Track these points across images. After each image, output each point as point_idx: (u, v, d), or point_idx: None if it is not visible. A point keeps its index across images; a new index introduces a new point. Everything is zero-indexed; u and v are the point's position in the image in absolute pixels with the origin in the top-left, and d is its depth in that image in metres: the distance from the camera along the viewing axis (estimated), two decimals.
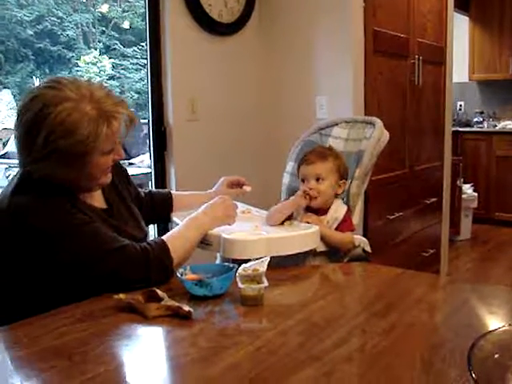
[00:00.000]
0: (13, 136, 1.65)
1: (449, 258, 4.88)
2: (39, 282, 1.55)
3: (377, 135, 2.17)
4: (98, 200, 1.74)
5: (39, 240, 1.50)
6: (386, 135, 2.21)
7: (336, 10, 3.35)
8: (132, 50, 10.65)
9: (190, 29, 3.23)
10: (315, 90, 3.49)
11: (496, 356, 0.93)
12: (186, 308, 1.35)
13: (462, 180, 5.89)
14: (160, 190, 2.30)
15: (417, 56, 3.86)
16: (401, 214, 3.78)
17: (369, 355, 1.19)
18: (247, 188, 2.15)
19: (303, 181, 2.06)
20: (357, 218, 2.19)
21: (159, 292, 1.42)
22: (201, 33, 3.29)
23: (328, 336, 1.26)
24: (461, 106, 7.32)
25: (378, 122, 2.22)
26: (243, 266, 1.50)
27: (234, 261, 1.68)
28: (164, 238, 1.69)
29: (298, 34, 3.55)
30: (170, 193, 2.19)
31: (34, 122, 1.48)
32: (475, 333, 1.07)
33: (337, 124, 2.39)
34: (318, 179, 2.02)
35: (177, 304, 1.37)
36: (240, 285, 1.45)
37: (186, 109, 3.23)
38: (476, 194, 6.15)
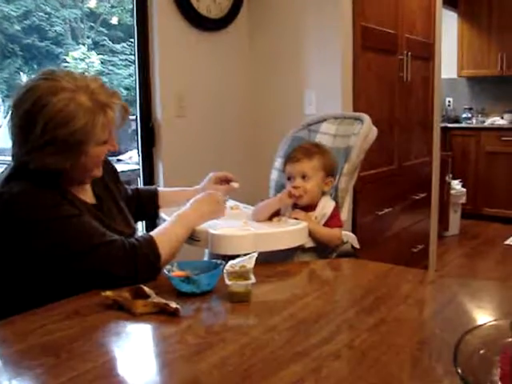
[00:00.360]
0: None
1: (437, 254, 4.89)
2: (27, 274, 1.55)
3: (365, 131, 2.17)
4: (87, 195, 1.75)
5: (26, 230, 1.50)
6: (375, 131, 2.21)
7: (325, 5, 3.34)
8: (121, 45, 10.58)
9: (178, 24, 3.21)
10: (304, 85, 3.49)
11: (482, 351, 0.93)
12: (173, 305, 1.35)
13: (450, 176, 5.91)
14: (147, 187, 2.30)
15: (405, 52, 3.87)
16: (389, 209, 3.79)
17: (357, 351, 1.19)
18: (235, 184, 2.14)
19: (289, 179, 2.05)
20: (345, 214, 2.19)
21: (146, 289, 1.41)
22: (189, 28, 3.27)
23: (316, 332, 1.26)
24: (450, 101, 7.34)
25: (367, 118, 2.22)
26: (230, 262, 1.50)
27: (223, 256, 1.68)
28: (153, 233, 1.68)
29: (286, 29, 3.54)
30: (157, 189, 2.18)
31: (32, 112, 1.50)
32: (463, 328, 1.07)
33: (325, 120, 2.38)
34: (303, 177, 2.01)
35: (164, 301, 1.37)
36: (227, 281, 1.45)
37: (174, 105, 3.22)
38: (464, 190, 6.18)
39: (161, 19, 3.10)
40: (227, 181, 2.16)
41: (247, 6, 3.63)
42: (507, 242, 5.73)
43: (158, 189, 2.19)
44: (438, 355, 1.12)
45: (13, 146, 1.59)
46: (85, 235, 1.54)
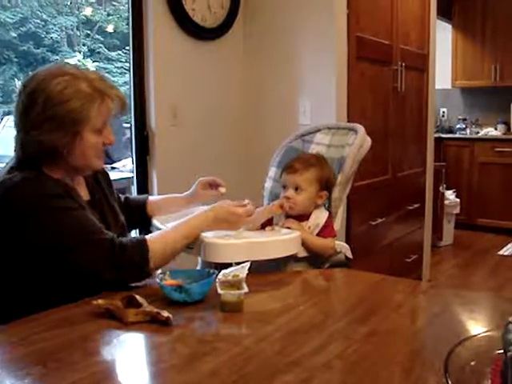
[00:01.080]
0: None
1: (431, 264, 4.90)
2: (21, 264, 1.57)
3: (359, 142, 2.17)
4: (82, 191, 1.77)
5: (22, 219, 1.54)
6: (368, 142, 2.21)
7: (320, 16, 3.35)
8: (116, 53, 10.58)
9: (174, 33, 3.22)
10: (298, 95, 3.50)
11: (473, 363, 0.93)
12: (165, 314, 1.34)
13: (444, 186, 5.92)
14: (137, 196, 2.29)
15: (400, 62, 3.88)
16: (383, 219, 3.79)
17: (348, 361, 1.18)
18: (222, 189, 2.12)
19: (284, 187, 2.06)
20: (338, 224, 2.19)
21: (138, 298, 1.41)
22: (184, 37, 3.28)
23: (308, 342, 1.26)
24: (444, 112, 7.37)
25: (361, 129, 2.22)
26: (223, 271, 1.49)
27: (216, 265, 1.67)
28: (148, 237, 1.68)
29: (281, 39, 3.55)
30: (147, 198, 2.17)
31: (35, 91, 1.58)
32: (455, 338, 1.07)
33: (319, 130, 2.38)
34: (296, 188, 2.02)
35: (156, 310, 1.36)
36: (220, 291, 1.44)
37: (169, 114, 3.22)
38: (458, 200, 6.19)
39: (156, 28, 3.11)
40: (215, 186, 2.15)
41: (242, 16, 3.64)
42: (500, 253, 5.74)
43: (149, 197, 2.18)
44: (429, 366, 1.12)
45: (15, 125, 1.64)
46: (75, 230, 1.57)
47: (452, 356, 0.90)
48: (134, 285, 1.62)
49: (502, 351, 0.85)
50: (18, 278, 1.58)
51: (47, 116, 1.57)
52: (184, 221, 1.77)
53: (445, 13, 6.63)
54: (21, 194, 1.55)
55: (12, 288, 1.59)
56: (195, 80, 3.39)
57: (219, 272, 1.50)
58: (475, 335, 1.04)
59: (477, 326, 1.39)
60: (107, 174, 1.99)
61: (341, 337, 1.33)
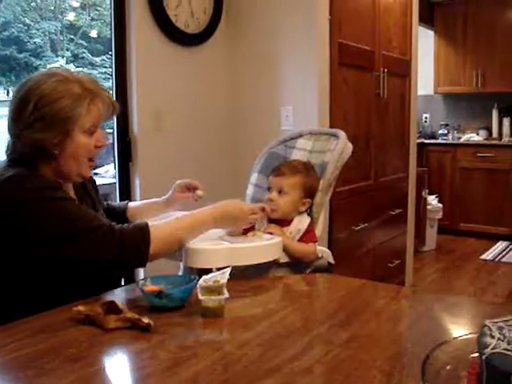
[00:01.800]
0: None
1: (414, 269, 4.93)
2: (19, 255, 1.57)
3: (340, 147, 2.18)
4: (70, 193, 1.78)
5: (21, 211, 1.54)
6: (350, 147, 2.22)
7: (302, 23, 3.37)
8: (100, 59, 10.53)
9: (156, 38, 3.22)
10: (281, 101, 3.51)
11: (450, 366, 0.93)
12: (146, 320, 1.34)
13: (427, 191, 5.95)
14: (117, 203, 2.29)
15: (382, 68, 3.91)
16: (366, 224, 3.81)
17: (329, 366, 1.19)
18: (199, 192, 2.11)
19: (269, 189, 2.07)
20: (320, 229, 2.19)
21: (119, 304, 1.40)
22: (167, 43, 3.28)
23: (288, 347, 1.26)
24: (426, 118, 7.42)
25: (342, 134, 2.23)
26: (204, 277, 1.49)
27: (198, 270, 1.67)
28: (151, 223, 1.69)
29: (264, 45, 3.57)
30: (126, 204, 2.16)
31: (27, 93, 1.61)
32: (435, 343, 1.08)
33: (301, 136, 2.39)
34: (280, 192, 2.03)
35: (136, 316, 1.36)
36: (200, 296, 1.44)
37: (152, 119, 3.21)
38: (441, 205, 6.23)
39: (139, 33, 3.11)
40: (192, 188, 2.15)
41: (225, 23, 3.65)
42: (482, 257, 5.78)
43: (129, 203, 2.18)
44: (409, 370, 1.13)
45: (8, 127, 1.66)
46: (74, 217, 1.59)
47: (429, 360, 0.91)
48: (114, 291, 1.61)
49: (476, 354, 0.85)
50: (16, 277, 1.59)
51: (38, 115, 1.59)
52: (189, 212, 1.80)
53: (427, 19, 6.70)
54: (16, 186, 1.57)
55: (12, 287, 1.60)
56: (178, 85, 3.39)
57: (200, 277, 1.50)
58: (452, 339, 1.05)
59: (457, 330, 1.39)
60: (94, 181, 2.01)
61: (322, 342, 1.33)
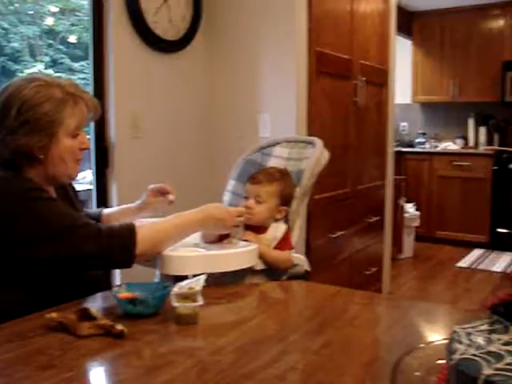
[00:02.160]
0: None
1: (391, 276, 4.96)
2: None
3: (317, 155, 2.19)
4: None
5: (7, 213, 1.55)
6: (326, 155, 2.24)
7: (280, 31, 3.39)
8: (80, 64, 10.47)
9: (135, 45, 3.21)
10: (259, 108, 3.52)
11: (419, 373, 0.94)
12: (119, 327, 1.33)
13: (404, 199, 6.00)
14: (92, 210, 2.28)
15: (359, 77, 3.93)
16: (343, 232, 3.83)
17: (302, 373, 1.19)
18: (170, 196, 2.10)
19: (246, 198, 2.08)
20: (296, 236, 2.20)
21: (92, 310, 1.39)
22: (145, 49, 3.27)
23: (262, 354, 1.26)
24: (404, 126, 7.48)
25: (319, 142, 2.25)
26: (178, 284, 1.49)
27: (173, 277, 1.67)
28: (137, 223, 1.71)
29: (242, 52, 3.58)
30: (101, 211, 2.16)
31: (9, 99, 1.62)
32: (408, 349, 1.08)
33: (278, 143, 2.40)
34: (257, 199, 2.03)
35: (110, 323, 1.35)
36: (175, 303, 1.44)
37: (129, 126, 3.20)
38: (418, 213, 6.28)
39: (117, 39, 3.10)
40: (165, 193, 2.14)
41: (204, 30, 3.65)
42: (458, 265, 5.84)
43: (104, 210, 2.17)
44: (381, 376, 1.13)
45: None
46: (60, 217, 1.60)
47: (400, 366, 0.92)
48: (88, 298, 1.61)
49: (444, 360, 0.86)
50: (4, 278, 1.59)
51: (22, 120, 1.59)
52: (174, 215, 1.80)
53: (405, 29, 6.78)
54: (1, 188, 1.58)
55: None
56: (157, 92, 3.39)
57: (175, 284, 1.50)
58: (424, 345, 1.06)
59: (430, 337, 1.41)
60: (73, 187, 2.02)
61: (295, 349, 1.34)
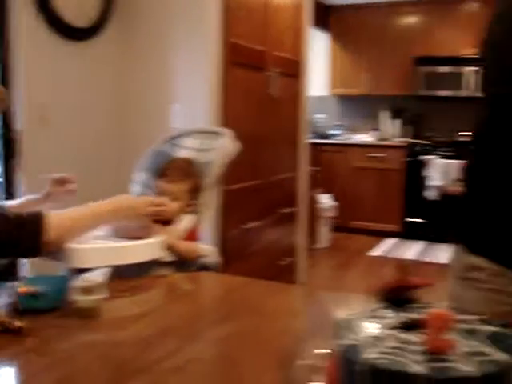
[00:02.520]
0: None
1: (307, 266, 5.02)
2: None
3: (225, 146, 2.20)
4: None
5: None
6: (236, 146, 2.24)
7: (193, 21, 3.37)
8: None
9: (42, 32, 3.11)
10: (171, 99, 3.49)
11: (311, 361, 0.96)
12: (17, 323, 1.30)
13: (320, 190, 6.10)
14: None
15: (273, 69, 3.96)
16: (257, 223, 3.85)
17: (203, 364, 1.20)
18: (70, 186, 2.06)
19: (157, 194, 2.06)
20: (206, 228, 2.21)
21: None
22: (54, 37, 3.18)
23: (165, 345, 1.26)
24: (321, 118, 7.59)
25: (227, 133, 2.25)
26: (81, 276, 1.46)
27: (78, 270, 1.64)
28: (46, 212, 1.65)
29: (155, 42, 3.53)
30: (3, 206, 2.09)
31: None
32: (313, 340, 1.10)
33: (188, 134, 2.39)
34: (171, 197, 2.02)
35: (7, 319, 1.31)
36: (76, 296, 1.41)
37: (37, 115, 3.11)
38: (333, 204, 6.40)
39: (22, 27, 2.99)
40: (67, 182, 2.10)
41: (116, 18, 3.58)
42: (372, 254, 6.00)
43: (6, 203, 2.11)
44: (286, 366, 1.14)
45: None
46: None
47: (293, 354, 0.93)
48: None
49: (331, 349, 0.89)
50: None
51: None
52: (85, 205, 1.76)
53: (322, 23, 6.86)
54: None
55: None
56: (66, 80, 3.30)
57: (78, 277, 1.47)
58: (318, 333, 1.08)
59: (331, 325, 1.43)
60: None
61: (197, 340, 1.33)
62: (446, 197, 6.09)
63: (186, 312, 1.60)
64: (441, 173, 6.14)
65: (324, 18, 6.99)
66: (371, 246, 6.27)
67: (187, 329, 1.39)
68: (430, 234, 6.37)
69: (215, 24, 3.36)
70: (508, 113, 1.25)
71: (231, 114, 3.50)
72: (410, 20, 6.88)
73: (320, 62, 7.08)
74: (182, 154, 2.31)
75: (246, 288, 1.77)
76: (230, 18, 3.45)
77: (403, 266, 1.00)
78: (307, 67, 4.61)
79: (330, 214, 6.32)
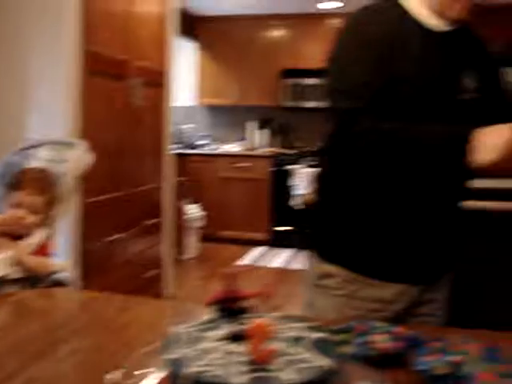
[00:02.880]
0: None
1: (174, 278, 4.98)
2: None
3: (77, 157, 2.16)
4: None
5: None
6: (89, 157, 2.20)
7: (50, 27, 3.25)
8: None
9: None
10: (26, 108, 3.34)
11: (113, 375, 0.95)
12: None
13: (187, 200, 6.09)
14: None
15: (135, 78, 3.91)
16: (121, 235, 3.78)
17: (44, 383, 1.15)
18: None
19: (13, 206, 1.97)
20: (62, 241, 2.15)
21: None
22: None
23: (4, 366, 1.20)
24: (188, 128, 7.59)
25: (81, 144, 2.21)
26: None
27: None
28: None
29: (11, 49, 3.37)
30: None
31: None
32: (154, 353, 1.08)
33: (42, 145, 2.31)
34: (30, 210, 1.95)
35: None
36: None
37: None
38: (201, 214, 6.41)
39: None
40: None
41: None
42: (240, 263, 6.06)
43: None
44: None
45: None
46: None
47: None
48: None
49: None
50: None
51: None
52: None
53: (190, 33, 6.88)
54: None
55: None
56: None
57: None
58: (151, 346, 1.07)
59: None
60: None
61: (39, 359, 1.28)
62: (308, 205, 6.26)
63: (34, 330, 1.53)
64: (306, 182, 6.32)
65: (191, 28, 7.01)
66: (240, 256, 6.34)
67: (29, 347, 1.34)
68: (298, 241, 6.53)
69: (72, 33, 3.26)
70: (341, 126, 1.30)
71: (91, 124, 3.40)
72: (277, 33, 7.07)
73: (188, 72, 7.10)
74: (34, 164, 2.22)
75: (100, 303, 1.73)
76: (89, 26, 3.37)
77: (229, 275, 1.01)
78: (172, 77, 4.59)
79: (199, 224, 6.34)
